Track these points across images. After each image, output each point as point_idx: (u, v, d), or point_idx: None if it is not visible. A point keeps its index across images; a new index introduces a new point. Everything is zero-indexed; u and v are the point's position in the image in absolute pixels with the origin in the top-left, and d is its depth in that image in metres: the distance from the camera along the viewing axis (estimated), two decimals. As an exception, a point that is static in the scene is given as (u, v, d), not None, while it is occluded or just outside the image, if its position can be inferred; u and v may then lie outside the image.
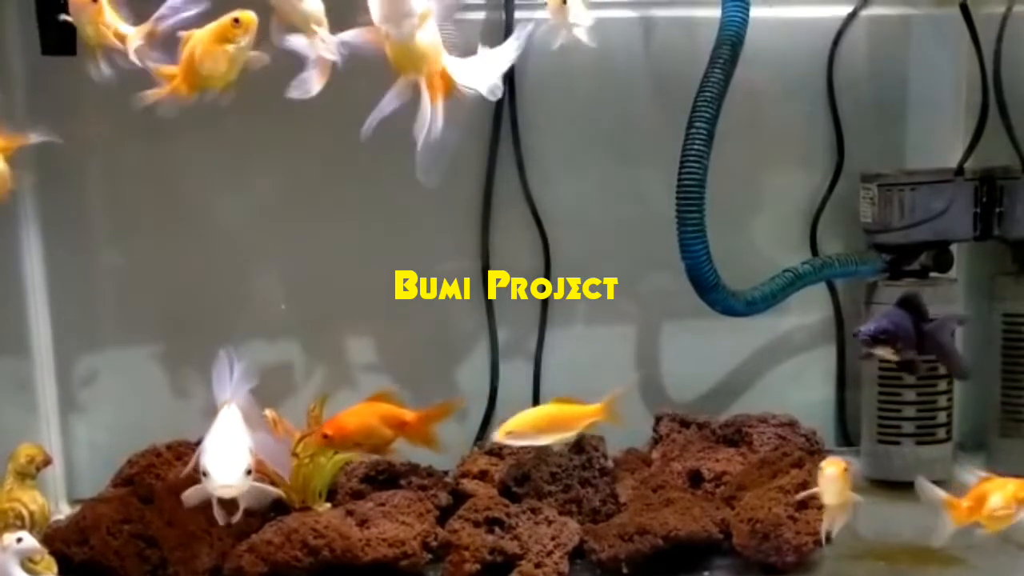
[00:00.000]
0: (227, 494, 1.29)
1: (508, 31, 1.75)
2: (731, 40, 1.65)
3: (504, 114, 1.84)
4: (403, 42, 1.29)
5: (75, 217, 1.76)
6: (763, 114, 1.91)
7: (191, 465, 1.36)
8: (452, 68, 1.36)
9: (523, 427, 1.40)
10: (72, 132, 1.72)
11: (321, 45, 1.33)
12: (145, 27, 1.35)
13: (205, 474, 1.28)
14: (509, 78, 1.82)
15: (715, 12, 1.68)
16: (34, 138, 1.42)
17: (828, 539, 1.44)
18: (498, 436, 1.41)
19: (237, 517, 1.36)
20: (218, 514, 1.35)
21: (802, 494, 1.47)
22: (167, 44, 1.34)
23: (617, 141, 1.89)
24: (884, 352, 1.51)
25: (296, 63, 1.34)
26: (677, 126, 1.66)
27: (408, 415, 1.50)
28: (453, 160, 1.80)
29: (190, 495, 1.35)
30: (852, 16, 1.92)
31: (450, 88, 1.36)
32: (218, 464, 1.28)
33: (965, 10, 1.78)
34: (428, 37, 1.32)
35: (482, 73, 1.38)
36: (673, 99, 1.73)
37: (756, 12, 1.66)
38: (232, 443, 1.30)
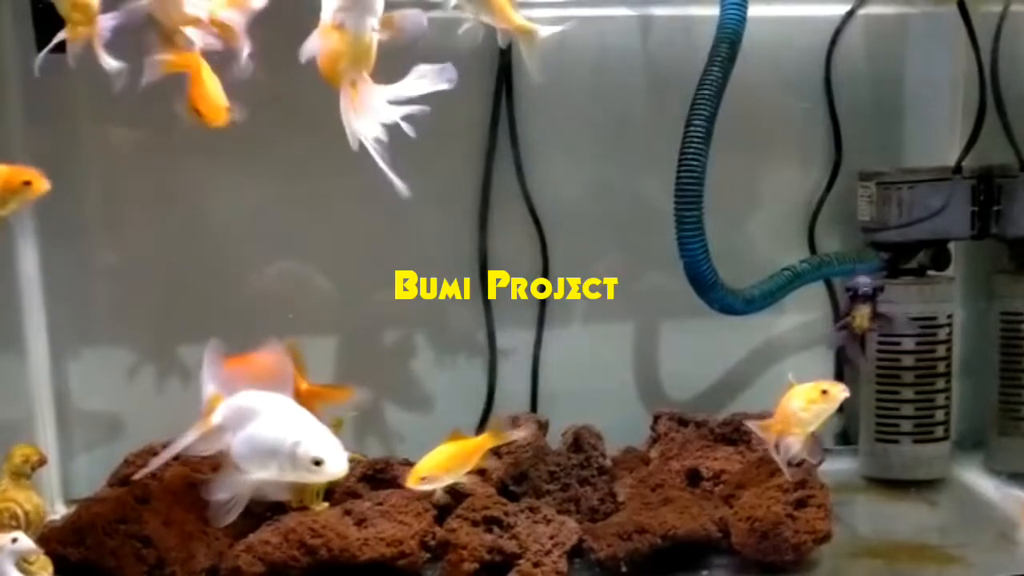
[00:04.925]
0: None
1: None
2: (729, 38, 1.64)
3: (502, 112, 1.83)
4: (357, 34, 1.24)
5: (71, 216, 1.75)
6: (761, 112, 1.90)
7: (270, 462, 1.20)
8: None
9: (435, 470, 1.34)
10: (68, 131, 1.73)
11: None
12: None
13: (318, 463, 1.17)
14: (507, 77, 1.82)
15: (713, 10, 1.67)
16: None
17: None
18: (410, 482, 1.35)
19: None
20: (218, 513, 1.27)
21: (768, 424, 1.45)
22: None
23: (615, 140, 1.89)
24: (865, 311, 1.62)
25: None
26: (675, 124, 1.66)
27: (303, 384, 1.42)
28: (452, 160, 1.82)
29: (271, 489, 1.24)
30: (850, 14, 1.92)
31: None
32: (330, 449, 1.18)
33: (963, 8, 1.78)
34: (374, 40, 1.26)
35: (379, 111, 1.29)
36: (671, 97, 1.72)
37: (754, 10, 1.66)
38: (314, 422, 1.20)
